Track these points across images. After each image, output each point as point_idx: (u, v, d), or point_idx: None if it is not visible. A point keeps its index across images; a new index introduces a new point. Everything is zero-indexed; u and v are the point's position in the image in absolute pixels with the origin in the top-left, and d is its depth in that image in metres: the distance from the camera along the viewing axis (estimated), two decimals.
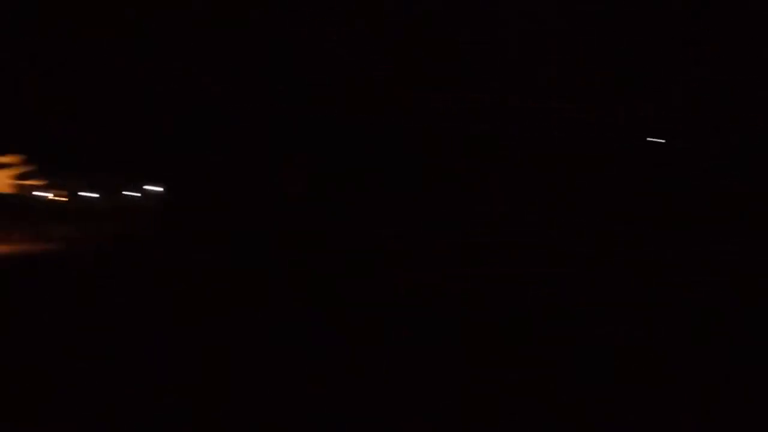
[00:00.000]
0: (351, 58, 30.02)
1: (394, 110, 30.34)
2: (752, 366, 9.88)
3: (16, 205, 28.65)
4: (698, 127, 29.14)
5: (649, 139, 27.35)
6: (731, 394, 8.56)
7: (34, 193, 30.44)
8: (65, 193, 32.48)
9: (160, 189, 31.18)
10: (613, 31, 28.90)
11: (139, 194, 31.75)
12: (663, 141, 27.86)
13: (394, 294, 17.42)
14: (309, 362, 10.09)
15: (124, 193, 31.90)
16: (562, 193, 30.27)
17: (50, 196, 31.73)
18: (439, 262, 24.02)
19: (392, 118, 30.55)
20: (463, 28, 29.76)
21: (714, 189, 28.66)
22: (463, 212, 30.86)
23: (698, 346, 11.26)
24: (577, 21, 28.94)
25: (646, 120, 29.67)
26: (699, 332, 12.34)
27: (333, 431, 7.50)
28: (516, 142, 30.39)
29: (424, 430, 7.55)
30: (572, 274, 20.56)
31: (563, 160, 30.45)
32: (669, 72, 29.25)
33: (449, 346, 11.29)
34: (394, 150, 31.77)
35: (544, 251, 25.56)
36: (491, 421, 7.74)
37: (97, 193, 32.01)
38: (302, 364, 10.03)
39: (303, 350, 10.84)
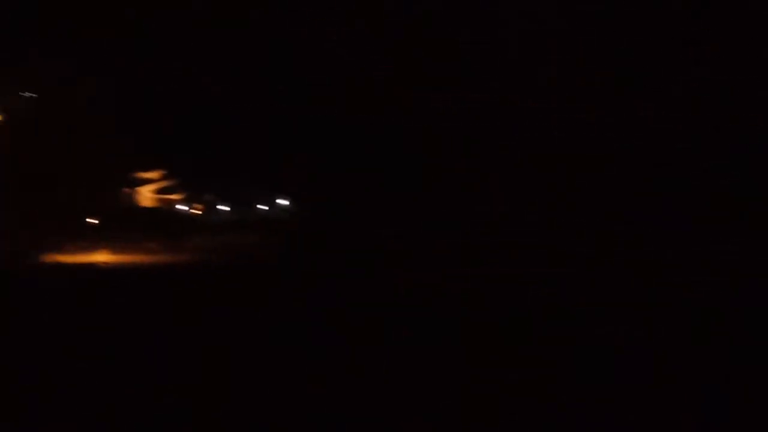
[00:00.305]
0: (351, 58, 30.04)
1: (394, 110, 30.34)
2: (752, 366, 9.88)
3: (158, 217, 30.57)
4: (698, 127, 29.13)
5: None
6: (731, 394, 8.56)
7: (176, 206, 32.56)
8: (201, 206, 34.53)
9: (288, 202, 33.13)
10: (613, 31, 28.89)
11: (268, 207, 33.77)
12: None
13: (394, 294, 17.43)
14: (309, 362, 10.09)
15: (256, 206, 34.06)
16: (562, 193, 30.28)
17: (188, 209, 33.75)
18: (439, 262, 24.04)
19: (392, 118, 30.55)
20: (463, 28, 29.76)
21: (714, 189, 28.65)
22: (463, 212, 30.87)
23: (698, 346, 11.27)
24: (577, 21, 28.94)
25: (646, 120, 29.67)
26: (699, 332, 12.34)
27: (333, 431, 7.51)
28: (516, 142, 30.39)
29: (424, 430, 7.55)
30: (572, 274, 20.57)
31: (563, 160, 30.45)
32: (669, 72, 29.25)
33: (449, 346, 11.30)
34: (394, 150, 31.77)
35: (544, 251, 25.57)
36: (491, 421, 7.74)
37: (229, 206, 33.94)
38: (302, 364, 10.03)
39: (303, 350, 10.85)
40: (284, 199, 33.71)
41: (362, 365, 10.00)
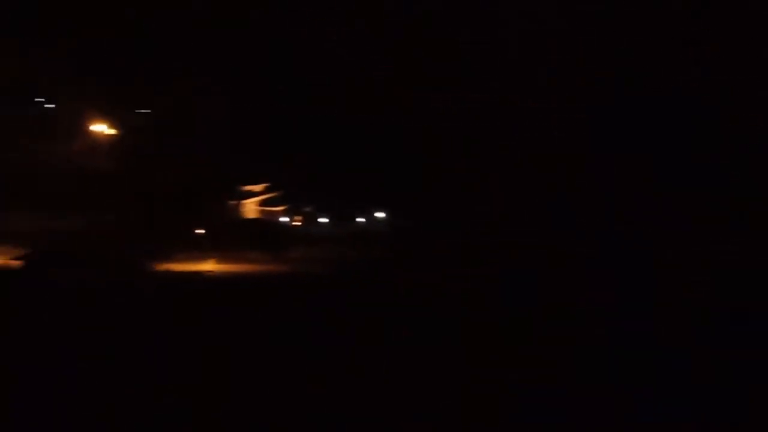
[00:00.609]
0: (351, 58, 30.06)
1: (394, 110, 30.36)
2: (752, 366, 9.88)
3: (261, 229, 31.92)
4: (698, 127, 29.13)
5: None
6: (731, 393, 8.56)
7: (278, 218, 34.05)
8: (302, 218, 36.01)
9: (385, 215, 34.34)
10: (613, 31, 28.89)
11: (364, 220, 34.91)
12: None
13: (394, 294, 17.44)
14: (309, 362, 10.09)
15: (355, 218, 35.26)
16: (562, 193, 30.27)
17: (290, 221, 35.19)
18: (439, 262, 24.05)
19: (392, 118, 30.57)
20: (463, 28, 29.77)
21: (714, 189, 28.65)
22: (463, 212, 30.87)
23: (698, 346, 11.27)
24: (577, 21, 28.94)
25: (646, 120, 29.66)
26: (699, 332, 12.34)
27: (333, 431, 7.51)
28: (516, 142, 30.38)
29: (424, 430, 7.55)
30: (572, 274, 20.57)
31: (563, 160, 30.45)
32: (669, 72, 29.24)
33: (449, 346, 11.30)
34: (394, 150, 31.79)
35: (544, 251, 25.56)
36: (491, 421, 7.74)
37: (329, 218, 35.26)
38: (302, 364, 10.04)
39: (303, 350, 10.85)
40: (382, 211, 35.16)
41: (362, 365, 10.00)
